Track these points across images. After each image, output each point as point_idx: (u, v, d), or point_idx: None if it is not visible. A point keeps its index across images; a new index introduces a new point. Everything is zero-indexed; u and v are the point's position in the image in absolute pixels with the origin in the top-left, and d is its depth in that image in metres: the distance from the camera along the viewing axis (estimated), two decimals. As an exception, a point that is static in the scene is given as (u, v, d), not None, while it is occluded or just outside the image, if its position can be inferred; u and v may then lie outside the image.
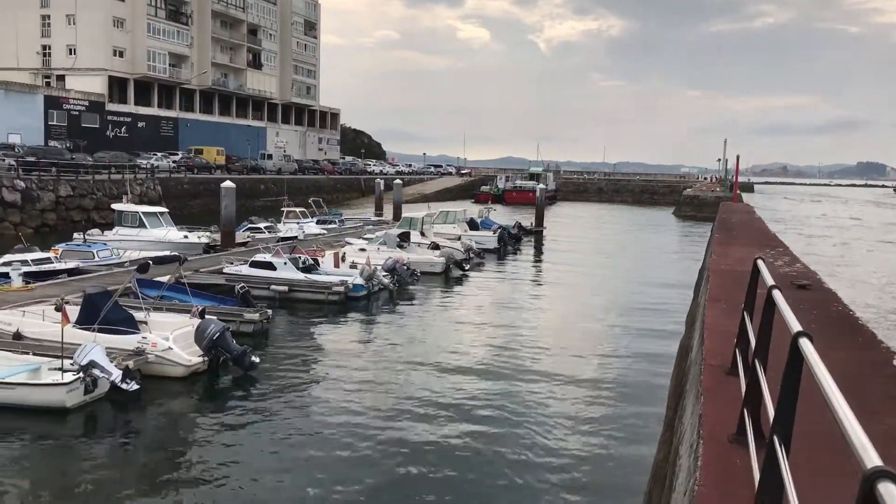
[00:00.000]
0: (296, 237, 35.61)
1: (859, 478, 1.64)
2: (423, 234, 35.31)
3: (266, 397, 14.69)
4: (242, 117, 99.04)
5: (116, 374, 13.55)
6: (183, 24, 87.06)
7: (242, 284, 21.24)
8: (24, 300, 18.87)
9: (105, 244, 29.56)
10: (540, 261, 40.03)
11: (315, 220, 43.49)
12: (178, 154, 73.41)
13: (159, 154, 70.22)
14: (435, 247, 32.63)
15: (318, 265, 26.12)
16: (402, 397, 14.78)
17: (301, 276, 24.63)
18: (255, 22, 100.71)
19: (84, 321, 15.70)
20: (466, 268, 32.03)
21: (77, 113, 71.68)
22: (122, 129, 76.98)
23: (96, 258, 26.82)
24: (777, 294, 4.03)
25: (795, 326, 3.12)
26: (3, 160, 46.74)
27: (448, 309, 24.50)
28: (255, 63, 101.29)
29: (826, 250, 46.24)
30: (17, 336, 15.73)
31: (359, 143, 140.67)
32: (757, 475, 3.28)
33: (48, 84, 75.49)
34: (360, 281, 24.44)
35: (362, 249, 30.79)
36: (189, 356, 15.38)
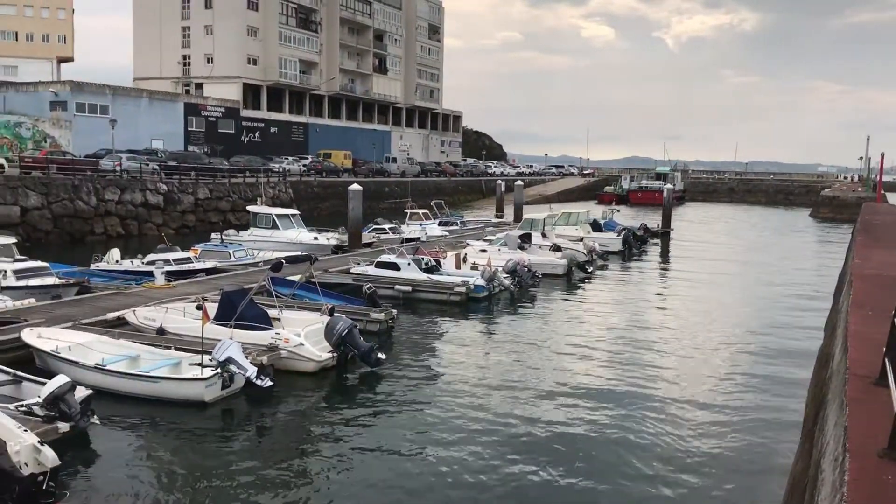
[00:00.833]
0: (418, 238, 36.20)
1: None
2: (544, 235, 35.02)
3: (392, 393, 15.04)
4: (368, 121, 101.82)
5: (251, 371, 14.05)
6: (312, 31, 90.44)
7: (370, 285, 21.74)
8: (166, 297, 20.15)
9: (241, 244, 31.11)
10: (667, 264, 38.78)
11: (437, 221, 43.98)
12: (307, 158, 76.15)
13: (290, 158, 73.30)
14: (556, 248, 32.24)
15: (441, 266, 26.47)
16: (522, 399, 14.74)
17: (424, 276, 25.05)
18: (381, 28, 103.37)
19: (221, 318, 16.46)
20: (589, 270, 31.45)
21: (214, 119, 75.85)
22: (256, 135, 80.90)
23: (233, 258, 28.27)
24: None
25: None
26: (148, 164, 49.89)
27: (569, 311, 24.20)
28: (381, 68, 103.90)
29: None
30: (161, 331, 16.84)
31: (480, 145, 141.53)
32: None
33: (188, 92, 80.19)
34: (481, 282, 24.53)
35: (483, 251, 30.84)
36: (319, 352, 15.95)
